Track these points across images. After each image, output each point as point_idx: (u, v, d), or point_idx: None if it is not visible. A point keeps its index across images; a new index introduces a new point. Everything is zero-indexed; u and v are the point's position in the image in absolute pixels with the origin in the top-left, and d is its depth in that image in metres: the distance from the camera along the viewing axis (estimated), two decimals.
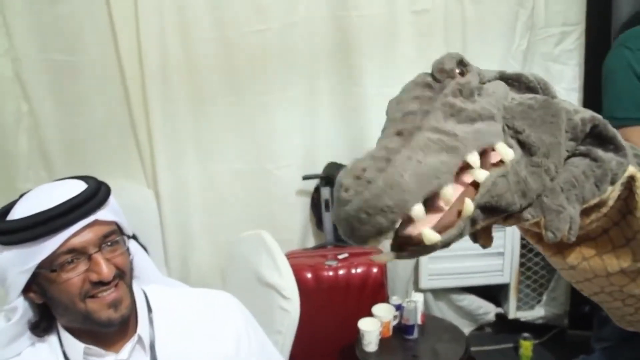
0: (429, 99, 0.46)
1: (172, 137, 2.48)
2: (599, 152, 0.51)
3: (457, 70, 0.47)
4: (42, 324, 1.03)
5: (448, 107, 0.44)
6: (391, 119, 0.46)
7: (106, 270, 0.94)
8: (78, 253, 0.94)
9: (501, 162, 0.45)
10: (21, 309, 0.99)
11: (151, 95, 2.42)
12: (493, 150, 0.45)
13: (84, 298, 0.94)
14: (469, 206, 0.42)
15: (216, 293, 1.21)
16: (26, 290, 0.97)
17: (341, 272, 2.27)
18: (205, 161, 2.54)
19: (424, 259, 2.62)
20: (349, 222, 0.39)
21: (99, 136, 2.49)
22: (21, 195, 1.00)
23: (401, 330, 2.16)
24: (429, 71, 0.49)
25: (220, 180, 2.56)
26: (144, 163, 2.56)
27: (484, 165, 0.44)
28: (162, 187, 2.53)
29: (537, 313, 2.79)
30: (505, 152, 0.45)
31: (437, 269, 2.62)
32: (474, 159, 0.42)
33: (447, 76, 0.47)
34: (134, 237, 1.12)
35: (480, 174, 0.43)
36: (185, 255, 2.61)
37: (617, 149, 0.52)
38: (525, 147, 0.47)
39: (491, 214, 0.45)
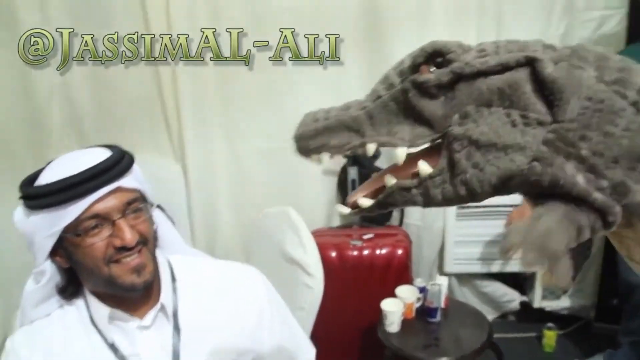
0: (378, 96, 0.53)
1: (200, 113, 2.49)
2: None
3: (425, 65, 0.49)
4: (69, 289, 1.05)
5: (388, 100, 0.52)
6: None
7: (129, 235, 0.95)
8: (102, 219, 0.95)
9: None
10: (49, 272, 1.01)
11: (180, 70, 2.42)
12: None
13: (108, 263, 0.96)
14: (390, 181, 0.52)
15: (241, 266, 1.21)
16: (53, 254, 1.00)
17: (366, 252, 2.27)
18: (233, 138, 2.55)
19: (450, 243, 2.60)
20: None
21: (130, 109, 2.52)
22: (48, 163, 1.02)
23: (424, 312, 2.15)
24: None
25: (247, 157, 2.57)
26: (172, 138, 2.58)
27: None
28: (189, 162, 2.55)
29: (563, 303, 2.75)
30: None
31: (462, 254, 2.60)
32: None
33: (410, 73, 0.50)
34: (160, 208, 1.13)
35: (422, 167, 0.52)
36: (210, 229, 2.63)
37: None
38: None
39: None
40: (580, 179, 0.42)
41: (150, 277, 1.00)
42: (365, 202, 0.53)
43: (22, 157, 2.50)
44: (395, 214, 2.62)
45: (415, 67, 0.49)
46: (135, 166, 1.02)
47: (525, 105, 0.45)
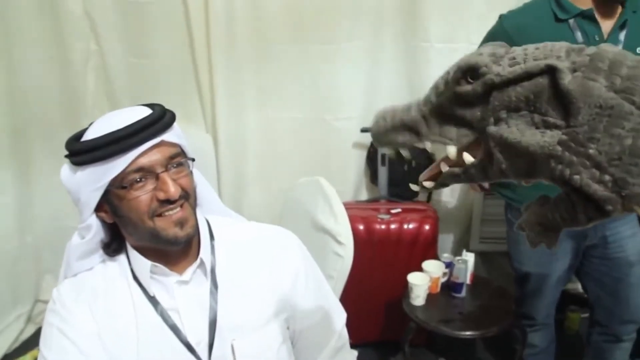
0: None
1: (233, 83, 2.50)
2: None
3: (463, 79, 0.56)
4: (113, 245, 1.08)
5: (437, 107, 0.59)
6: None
7: (172, 188, 0.97)
8: (146, 172, 0.97)
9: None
10: (94, 227, 1.04)
11: (215, 39, 2.43)
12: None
13: (152, 217, 0.98)
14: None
15: (277, 229, 1.23)
16: (98, 210, 1.02)
17: (393, 226, 2.28)
18: (265, 108, 2.55)
19: (476, 221, 2.59)
20: None
21: (162, 78, 2.55)
22: (91, 123, 1.04)
23: (449, 287, 2.16)
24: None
25: (279, 128, 2.57)
26: (204, 107, 2.60)
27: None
28: (220, 132, 2.57)
29: None
30: (450, 151, 0.60)
31: (489, 232, 2.60)
32: (429, 146, 0.62)
33: (453, 84, 0.58)
34: None
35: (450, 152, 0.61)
36: (238, 200, 2.66)
37: None
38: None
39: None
40: (585, 175, 0.50)
41: (192, 231, 1.02)
42: (428, 184, 0.66)
43: (57, 124, 2.55)
44: None
45: (456, 80, 0.57)
46: (175, 123, 1.04)
47: (546, 111, 0.52)
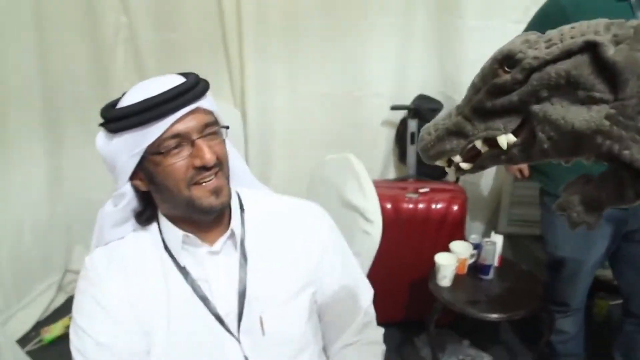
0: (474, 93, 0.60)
1: (263, 58, 2.49)
2: None
3: (500, 69, 0.56)
4: (145, 213, 1.08)
5: (477, 104, 0.58)
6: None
7: (209, 155, 0.96)
8: (182, 138, 0.96)
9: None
10: (128, 195, 1.04)
11: (245, 14, 2.42)
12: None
13: (189, 185, 0.98)
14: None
15: (307, 203, 1.22)
16: (132, 177, 1.02)
17: (421, 205, 2.25)
18: (294, 83, 2.54)
19: (505, 203, 2.55)
20: None
21: (192, 52, 2.54)
22: (124, 93, 1.03)
23: (477, 269, 2.14)
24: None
25: (307, 103, 2.56)
26: (233, 82, 2.59)
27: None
28: (249, 107, 2.56)
29: None
30: (501, 141, 0.58)
31: (517, 215, 2.55)
32: (479, 144, 0.60)
33: (490, 79, 0.57)
34: None
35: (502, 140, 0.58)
36: (266, 174, 2.67)
37: None
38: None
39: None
40: (635, 149, 0.48)
41: (227, 200, 1.02)
42: (466, 165, 0.63)
43: (87, 97, 2.58)
44: None
45: (493, 72, 0.56)
46: (209, 92, 1.03)
47: (591, 86, 0.50)
